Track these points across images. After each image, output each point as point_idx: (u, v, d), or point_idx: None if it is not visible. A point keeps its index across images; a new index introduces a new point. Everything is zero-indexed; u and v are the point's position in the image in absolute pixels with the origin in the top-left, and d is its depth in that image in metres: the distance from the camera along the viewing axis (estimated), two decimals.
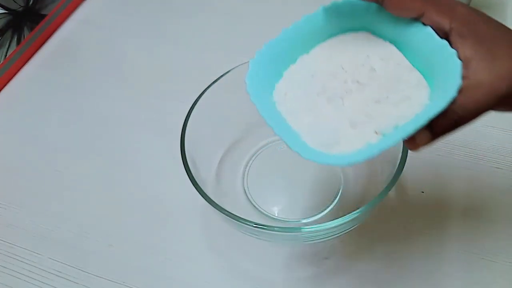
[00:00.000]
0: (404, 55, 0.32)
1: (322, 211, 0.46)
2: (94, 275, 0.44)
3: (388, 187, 0.37)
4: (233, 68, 0.46)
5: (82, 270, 0.44)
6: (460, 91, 0.27)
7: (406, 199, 0.46)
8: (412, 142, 0.30)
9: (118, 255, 0.45)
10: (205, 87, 0.45)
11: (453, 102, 0.27)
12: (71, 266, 0.45)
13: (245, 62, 0.45)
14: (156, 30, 0.68)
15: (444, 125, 0.29)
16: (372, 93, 0.31)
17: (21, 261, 0.46)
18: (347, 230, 0.42)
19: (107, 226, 0.48)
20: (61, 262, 0.45)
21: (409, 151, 0.38)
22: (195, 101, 0.44)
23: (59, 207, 0.50)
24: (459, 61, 0.28)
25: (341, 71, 0.33)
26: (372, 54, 0.33)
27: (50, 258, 0.46)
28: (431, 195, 0.46)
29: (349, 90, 0.32)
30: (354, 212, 0.36)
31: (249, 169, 0.50)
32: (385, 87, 0.31)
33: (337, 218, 0.36)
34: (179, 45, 0.65)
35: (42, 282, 0.44)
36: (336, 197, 0.47)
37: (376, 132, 0.30)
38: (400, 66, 0.32)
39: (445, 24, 0.29)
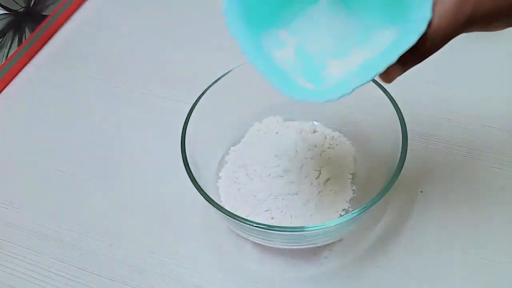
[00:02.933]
0: None
1: None
2: (95, 274, 0.44)
3: (387, 187, 0.37)
4: (233, 68, 0.46)
5: (82, 269, 0.45)
6: (428, 23, 0.27)
7: (405, 198, 0.46)
8: (386, 76, 0.31)
9: (118, 254, 0.45)
10: (206, 87, 0.45)
11: (422, 36, 0.27)
12: (72, 265, 0.45)
13: (245, 63, 0.45)
14: (157, 30, 0.68)
15: (414, 59, 0.29)
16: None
17: (22, 260, 0.46)
18: (347, 230, 0.42)
19: (107, 225, 0.48)
20: (62, 261, 0.45)
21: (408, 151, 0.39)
22: (196, 101, 0.44)
23: (59, 206, 0.50)
24: None
25: None
26: None
27: (51, 257, 0.46)
28: (430, 195, 0.46)
29: None
30: (353, 212, 0.36)
31: None
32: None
33: (337, 218, 0.36)
34: (180, 45, 0.66)
35: (42, 281, 0.44)
36: None
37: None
38: None
39: None
